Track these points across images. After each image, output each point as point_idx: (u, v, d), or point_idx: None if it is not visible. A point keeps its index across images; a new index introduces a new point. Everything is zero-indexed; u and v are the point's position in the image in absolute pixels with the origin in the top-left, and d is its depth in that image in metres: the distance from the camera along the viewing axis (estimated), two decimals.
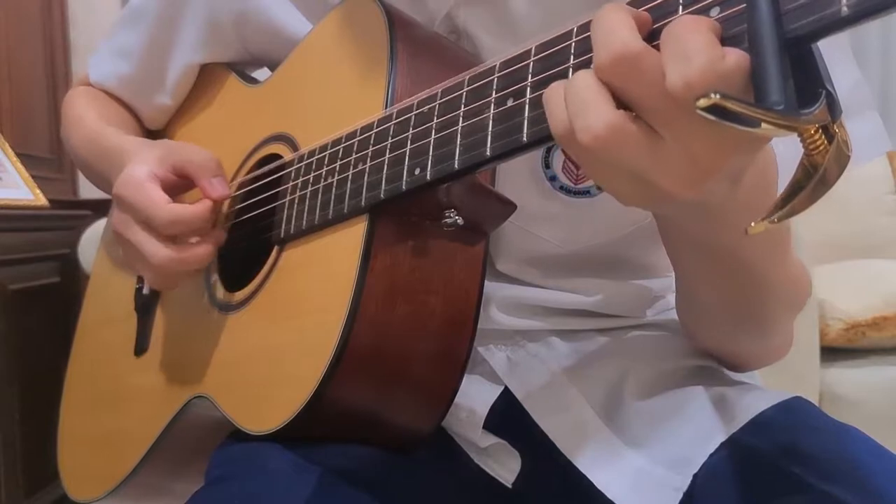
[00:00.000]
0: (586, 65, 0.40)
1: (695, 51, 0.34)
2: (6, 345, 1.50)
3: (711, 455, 0.54)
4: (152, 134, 0.85)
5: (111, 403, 0.79)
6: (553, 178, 0.62)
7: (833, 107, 0.35)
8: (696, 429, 0.57)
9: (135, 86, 0.83)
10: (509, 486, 0.62)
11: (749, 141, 0.38)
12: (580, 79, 0.38)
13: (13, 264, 1.57)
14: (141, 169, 0.63)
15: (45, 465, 1.50)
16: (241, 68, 0.79)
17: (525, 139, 0.43)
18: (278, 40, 0.71)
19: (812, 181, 0.35)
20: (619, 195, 0.41)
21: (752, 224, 0.37)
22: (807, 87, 0.34)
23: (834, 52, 0.49)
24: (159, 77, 0.81)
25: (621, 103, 0.37)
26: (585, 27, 0.41)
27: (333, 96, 0.62)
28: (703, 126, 0.36)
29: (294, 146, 0.64)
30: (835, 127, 0.35)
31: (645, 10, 0.38)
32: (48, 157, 1.98)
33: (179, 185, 0.65)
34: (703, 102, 0.33)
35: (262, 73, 0.79)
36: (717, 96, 0.32)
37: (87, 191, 1.96)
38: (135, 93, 0.84)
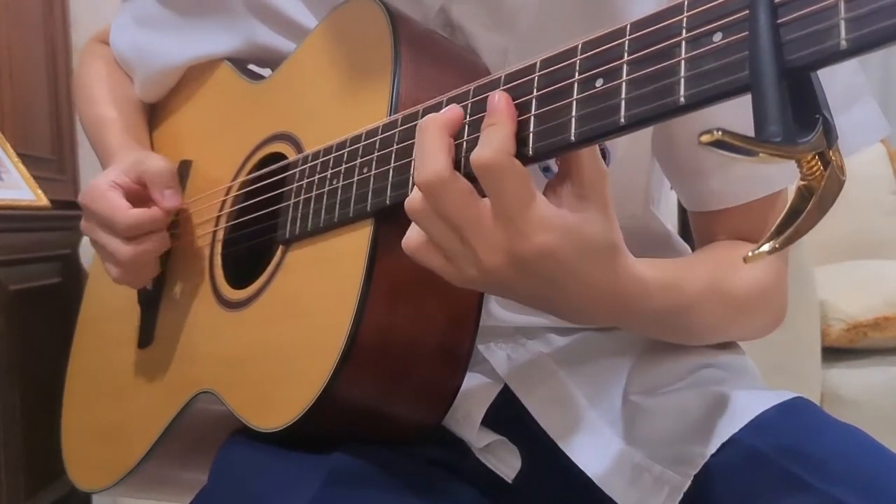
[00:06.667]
0: (591, 83, 0.41)
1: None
2: (7, 345, 1.50)
3: (712, 455, 0.54)
4: (152, 117, 0.86)
5: (115, 394, 0.80)
6: (546, 170, 0.62)
7: (829, 133, 0.35)
8: (697, 428, 0.57)
9: (144, 55, 0.82)
10: (510, 482, 0.63)
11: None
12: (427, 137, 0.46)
13: (14, 264, 1.57)
14: (103, 180, 0.71)
15: (46, 465, 1.50)
16: (243, 64, 0.79)
17: (531, 153, 0.44)
18: (286, 30, 0.71)
19: (808, 206, 0.36)
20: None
21: (750, 253, 0.37)
22: (804, 113, 0.35)
23: None
24: (170, 55, 0.80)
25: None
26: (591, 44, 0.42)
27: (337, 97, 0.62)
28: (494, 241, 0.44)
29: (298, 146, 0.64)
30: (830, 153, 0.36)
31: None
32: (49, 157, 1.98)
33: (142, 193, 0.71)
34: (706, 138, 0.34)
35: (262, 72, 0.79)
36: (720, 133, 0.34)
37: None
38: (141, 62, 0.83)
